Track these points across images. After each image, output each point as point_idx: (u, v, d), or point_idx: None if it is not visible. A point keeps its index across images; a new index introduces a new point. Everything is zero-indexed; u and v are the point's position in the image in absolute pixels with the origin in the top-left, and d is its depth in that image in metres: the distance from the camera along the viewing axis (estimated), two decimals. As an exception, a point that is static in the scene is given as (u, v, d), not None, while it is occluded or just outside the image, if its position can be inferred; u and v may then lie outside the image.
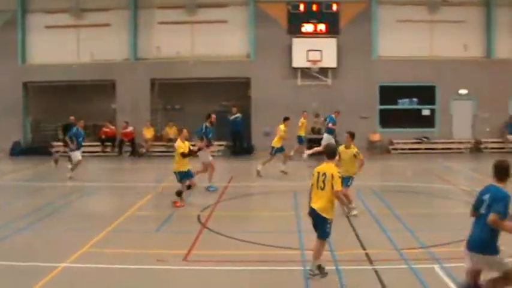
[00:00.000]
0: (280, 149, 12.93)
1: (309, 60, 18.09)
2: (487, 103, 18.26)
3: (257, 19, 18.39)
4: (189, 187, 9.55)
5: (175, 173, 9.52)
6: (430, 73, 18.28)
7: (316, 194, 5.54)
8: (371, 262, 6.21)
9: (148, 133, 18.55)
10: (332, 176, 5.45)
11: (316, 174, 5.60)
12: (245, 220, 9.09)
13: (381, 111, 18.47)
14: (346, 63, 18.17)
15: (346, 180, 7.79)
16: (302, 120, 15.72)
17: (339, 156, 7.97)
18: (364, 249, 6.74)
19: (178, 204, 9.34)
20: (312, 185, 5.67)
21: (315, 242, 5.65)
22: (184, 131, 9.64)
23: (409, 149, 18.18)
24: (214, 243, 7.17)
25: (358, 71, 18.23)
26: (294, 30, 18.33)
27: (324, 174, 5.53)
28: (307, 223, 7.44)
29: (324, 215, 5.47)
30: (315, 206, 5.53)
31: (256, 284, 5.77)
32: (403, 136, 18.37)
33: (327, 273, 5.63)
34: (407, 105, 18.51)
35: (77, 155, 12.76)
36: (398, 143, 18.21)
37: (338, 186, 5.46)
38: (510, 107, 18.61)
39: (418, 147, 18.22)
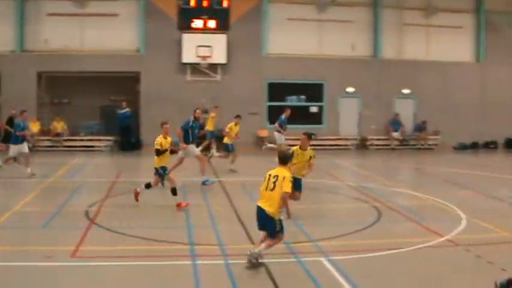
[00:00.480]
0: (229, 146, 15.31)
1: (198, 56, 21.97)
2: (373, 101, 22.73)
3: (147, 13, 22.09)
4: (149, 186, 10.31)
5: (157, 168, 10.21)
6: (318, 71, 22.51)
7: (265, 195, 6.64)
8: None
9: (35, 127, 21.93)
10: (284, 178, 6.55)
11: (267, 176, 6.71)
12: (134, 215, 9.90)
13: (270, 107, 22.64)
14: (236, 60, 22.20)
15: (298, 182, 9.06)
16: (212, 114, 18.73)
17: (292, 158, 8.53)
18: (254, 243, 7.67)
19: (184, 204, 10.03)
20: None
21: (266, 238, 6.77)
22: (165, 126, 10.25)
23: (297, 145, 22.38)
24: (102, 239, 8.00)
25: (247, 68, 22.26)
26: (184, 25, 22.18)
27: (276, 176, 6.63)
28: (197, 218, 9.52)
29: (271, 215, 6.57)
30: (262, 205, 6.62)
31: (144, 279, 6.48)
32: (291, 132, 22.61)
33: (262, 264, 6.65)
34: (295, 102, 22.84)
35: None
36: (286, 139, 22.42)
37: (287, 189, 6.50)
38: (395, 106, 23.32)
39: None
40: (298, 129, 21.96)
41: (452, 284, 6.64)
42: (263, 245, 6.72)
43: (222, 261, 7.13)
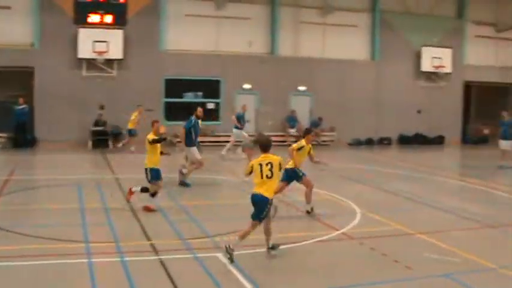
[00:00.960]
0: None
1: (95, 51, 26.86)
2: (270, 98, 28.37)
3: (42, 7, 26.34)
4: (146, 190, 11.91)
5: (147, 169, 11.84)
6: (215, 67, 27.85)
7: (264, 183, 8.37)
8: (156, 252, 8.71)
9: None
10: (279, 165, 8.50)
11: (257, 166, 8.38)
12: (27, 214, 11.25)
13: (167, 104, 28.03)
14: (133, 55, 27.09)
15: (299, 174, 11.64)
16: (135, 114, 23.68)
17: (296, 150, 11.62)
18: (150, 240, 9.26)
19: (152, 207, 11.73)
20: (248, 174, 8.63)
21: (249, 227, 8.53)
22: (156, 124, 12.11)
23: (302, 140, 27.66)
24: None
25: (144, 64, 27.23)
26: (80, 20, 26.83)
27: (270, 163, 8.36)
28: (92, 215, 10.99)
29: (267, 195, 8.34)
30: (259, 191, 8.37)
31: (38, 279, 7.33)
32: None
33: (278, 245, 8.82)
34: (192, 99, 28.33)
35: None
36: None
37: (279, 177, 8.78)
38: (291, 102, 29.20)
39: (203, 140, 27.70)
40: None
41: (347, 275, 8.31)
42: (265, 230, 8.72)
43: (118, 259, 8.27)
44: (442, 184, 17.81)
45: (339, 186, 15.78)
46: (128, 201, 12.16)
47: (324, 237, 10.32)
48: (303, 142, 12.09)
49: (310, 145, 12.10)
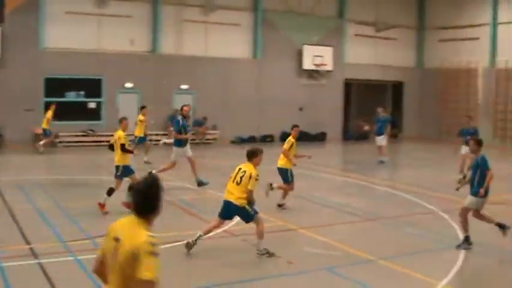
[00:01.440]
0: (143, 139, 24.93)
1: (-30, 49, 32.05)
2: (152, 96, 34.82)
3: None
4: (112, 191, 14.32)
5: (118, 166, 14.45)
6: (97, 66, 33.64)
7: (231, 187, 10.95)
8: (36, 256, 10.04)
9: None
10: (250, 176, 10.73)
11: (237, 169, 11.04)
12: None
13: (47, 103, 33.61)
14: (11, 54, 32.25)
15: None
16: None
17: (291, 146, 15.43)
18: (29, 243, 10.57)
19: (103, 209, 14.18)
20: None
21: (214, 222, 11.37)
22: (125, 121, 15.12)
23: (76, 141, 33.36)
24: None
25: (24, 62, 32.46)
26: (-46, 16, 32.11)
27: (244, 172, 10.85)
28: None
29: (240, 205, 10.83)
30: (230, 198, 10.92)
31: None
32: (69, 129, 33.80)
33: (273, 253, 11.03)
34: (74, 98, 34.12)
35: None
36: (64, 136, 33.58)
37: (252, 187, 10.77)
38: (174, 101, 35.75)
39: (85, 140, 33.69)
40: (76, 126, 33.51)
41: (228, 273, 10.25)
42: (257, 234, 11.16)
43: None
44: (325, 180, 21.49)
45: (222, 184, 15.82)
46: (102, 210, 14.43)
47: (206, 236, 12.03)
48: (291, 139, 15.73)
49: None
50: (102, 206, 14.47)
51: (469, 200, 12.12)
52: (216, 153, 30.05)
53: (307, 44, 37.57)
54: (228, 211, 11.30)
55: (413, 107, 43.17)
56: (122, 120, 15.34)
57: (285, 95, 36.70)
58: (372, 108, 40.78)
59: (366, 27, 41.19)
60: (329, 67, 38.42)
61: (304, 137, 35.23)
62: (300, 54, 37.63)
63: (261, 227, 11.19)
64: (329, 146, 37.00)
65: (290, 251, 11.66)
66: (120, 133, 14.98)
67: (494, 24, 39.07)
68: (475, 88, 40.10)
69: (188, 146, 19.13)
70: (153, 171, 17.42)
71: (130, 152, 15.12)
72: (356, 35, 40.55)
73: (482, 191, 11.86)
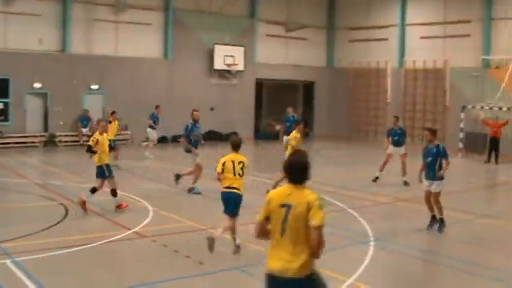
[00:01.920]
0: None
1: None
2: (61, 97, 36.47)
3: None
4: (94, 190, 15.89)
5: (101, 166, 15.88)
6: (3, 66, 34.85)
7: (235, 180, 12.03)
8: None
9: None
10: (247, 166, 12.11)
11: (230, 162, 11.97)
12: None
13: (-49, 103, 35.03)
14: None
15: None
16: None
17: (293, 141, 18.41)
18: None
19: (124, 205, 16.15)
20: (222, 171, 12.05)
21: (230, 222, 12.03)
22: (102, 123, 16.45)
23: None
24: None
25: None
26: None
27: (241, 162, 12.00)
28: None
29: (240, 192, 12.15)
30: (235, 189, 12.04)
31: None
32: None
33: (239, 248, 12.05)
34: (-20, 98, 35.55)
35: None
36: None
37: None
38: (84, 101, 37.67)
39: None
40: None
41: (137, 274, 10.80)
42: (220, 230, 12.10)
43: None
44: None
45: (132, 185, 19.52)
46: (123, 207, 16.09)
47: (116, 237, 12.89)
48: (297, 134, 18.70)
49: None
50: (121, 205, 16.29)
51: (436, 185, 14.86)
52: (127, 154, 31.19)
53: (219, 44, 39.80)
54: (234, 203, 12.27)
55: (324, 106, 46.31)
56: (99, 122, 17.00)
57: (196, 95, 38.76)
58: (283, 108, 43.61)
59: (277, 27, 43.97)
60: (240, 67, 40.81)
61: (215, 137, 37.81)
62: (211, 54, 39.75)
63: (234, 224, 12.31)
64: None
65: (200, 251, 12.07)
66: (95, 136, 16.33)
67: (403, 25, 42.57)
68: (384, 88, 43.43)
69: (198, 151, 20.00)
70: (180, 173, 20.01)
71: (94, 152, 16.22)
72: (267, 34, 43.26)
73: (442, 172, 14.93)
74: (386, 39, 43.11)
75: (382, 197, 20.27)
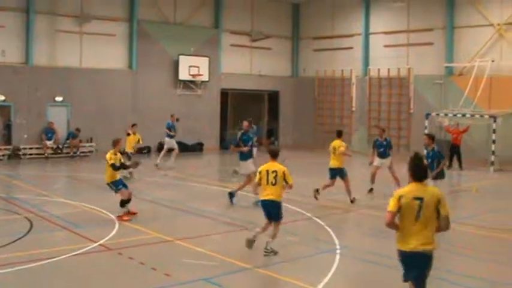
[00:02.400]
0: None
1: None
2: (25, 109, 36.33)
3: None
4: (128, 201, 16.78)
5: (109, 184, 16.82)
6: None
7: (268, 189, 12.82)
8: None
9: None
10: (283, 173, 12.74)
11: (264, 172, 12.78)
12: None
13: None
14: None
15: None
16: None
17: (334, 150, 19.96)
18: None
19: (125, 218, 16.39)
20: (259, 180, 12.97)
21: (272, 227, 12.97)
22: (120, 141, 17.51)
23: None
24: None
25: None
26: None
27: (275, 171, 12.64)
28: None
29: (278, 200, 12.90)
30: (269, 197, 12.83)
31: None
32: None
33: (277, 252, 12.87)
34: None
35: None
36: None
37: (291, 181, 12.87)
38: (48, 113, 37.43)
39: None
40: None
41: (105, 286, 10.90)
42: (272, 234, 13.06)
43: None
44: (201, 190, 22.89)
45: (98, 197, 19.54)
46: (124, 220, 16.66)
47: (82, 250, 12.90)
48: (343, 142, 20.37)
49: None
50: (130, 214, 17.09)
51: (433, 183, 16.69)
52: (91, 166, 31.51)
53: (183, 55, 39.96)
54: (270, 210, 13.25)
55: (289, 115, 46.53)
56: (116, 141, 17.79)
57: (162, 106, 38.77)
58: (248, 117, 43.81)
59: (242, 37, 44.22)
60: (205, 77, 40.87)
61: (181, 148, 37.64)
62: (176, 65, 39.91)
63: (277, 229, 13.27)
64: (206, 156, 39.26)
65: (167, 263, 12.31)
66: (109, 155, 17.36)
67: (367, 34, 43.02)
68: (349, 96, 43.82)
69: (251, 161, 20.60)
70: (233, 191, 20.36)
71: (126, 167, 18.32)
72: (232, 45, 43.48)
73: (437, 171, 17.52)
74: (350, 48, 43.50)
75: (348, 205, 20.34)
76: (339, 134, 20.71)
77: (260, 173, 13.06)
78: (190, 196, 21.44)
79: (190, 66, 39.98)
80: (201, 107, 41.24)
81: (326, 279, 11.55)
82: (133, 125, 27.62)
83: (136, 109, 38.09)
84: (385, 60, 41.43)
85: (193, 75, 40.08)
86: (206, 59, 40.61)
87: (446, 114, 35.18)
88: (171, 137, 30.63)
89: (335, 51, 44.85)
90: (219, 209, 19.14)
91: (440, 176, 17.75)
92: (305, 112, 45.79)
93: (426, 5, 39.59)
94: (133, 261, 12.35)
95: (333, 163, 20.35)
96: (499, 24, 35.95)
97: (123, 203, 16.92)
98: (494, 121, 32.54)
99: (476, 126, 34.09)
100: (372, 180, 23.09)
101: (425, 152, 17.87)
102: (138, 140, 27.59)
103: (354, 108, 43.42)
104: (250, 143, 20.70)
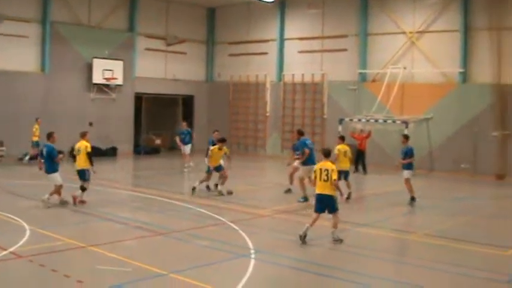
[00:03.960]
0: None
1: None
2: None
3: None
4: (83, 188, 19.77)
5: (80, 170, 20.08)
6: None
7: (321, 185, 15.21)
8: None
9: None
10: (332, 171, 15.07)
11: (318, 170, 15.30)
12: None
13: None
14: None
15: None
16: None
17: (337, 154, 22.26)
18: None
19: (83, 201, 19.89)
20: (315, 178, 15.41)
21: (332, 218, 15.32)
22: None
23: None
24: None
25: None
26: None
27: (326, 170, 15.10)
28: None
29: (332, 194, 15.23)
30: (324, 192, 15.25)
31: None
32: None
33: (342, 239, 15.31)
34: None
35: None
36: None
37: (335, 176, 15.10)
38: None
39: None
40: None
41: None
42: (333, 224, 15.44)
43: None
44: (114, 195, 22.76)
45: (7, 203, 19.41)
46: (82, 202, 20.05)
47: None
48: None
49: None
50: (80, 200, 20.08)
51: (406, 172, 22.52)
52: (1, 172, 30.60)
53: (97, 58, 39.47)
54: (323, 203, 15.47)
55: (204, 120, 46.48)
56: (85, 133, 21.58)
57: (75, 109, 38.31)
58: (163, 122, 43.90)
59: (157, 41, 44.09)
60: (119, 81, 40.50)
61: (95, 152, 37.11)
62: (90, 68, 39.42)
63: (337, 218, 15.55)
64: (120, 161, 38.89)
65: (80, 270, 12.19)
66: (84, 143, 20.79)
67: (281, 39, 43.50)
68: (264, 101, 44.22)
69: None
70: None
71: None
72: (146, 48, 43.29)
73: (402, 162, 22.69)
74: (265, 54, 43.91)
75: (261, 210, 20.63)
76: (342, 139, 24.26)
77: (315, 171, 15.52)
78: (103, 201, 21.20)
79: (104, 70, 39.48)
80: (114, 111, 40.84)
81: (241, 285, 11.59)
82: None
83: (49, 112, 37.19)
84: (300, 66, 41.99)
85: (107, 79, 39.65)
86: (120, 63, 40.25)
87: (359, 120, 35.78)
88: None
89: (250, 57, 45.16)
90: (132, 214, 19.10)
91: (409, 167, 22.51)
92: (220, 117, 45.93)
93: (340, 12, 40.30)
94: (45, 268, 12.10)
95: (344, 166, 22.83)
96: (411, 32, 36.87)
97: (84, 189, 19.88)
98: (406, 127, 33.34)
99: (388, 131, 34.84)
100: (290, 182, 23.87)
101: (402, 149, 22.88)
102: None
103: (268, 114, 43.74)
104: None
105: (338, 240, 15.34)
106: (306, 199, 21.98)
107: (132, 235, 15.95)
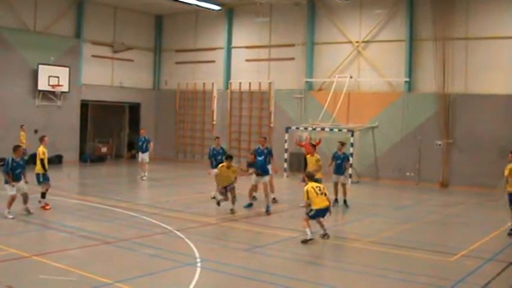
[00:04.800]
0: None
1: None
2: None
3: None
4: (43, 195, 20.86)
5: (36, 175, 21.09)
6: None
7: (322, 198, 17.22)
8: None
9: None
10: (324, 188, 17.84)
11: (317, 189, 17.24)
12: None
13: None
14: None
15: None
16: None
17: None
18: None
19: (48, 207, 20.87)
20: (307, 198, 17.25)
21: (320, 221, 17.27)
22: (46, 138, 21.95)
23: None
24: None
25: None
26: None
27: (318, 187, 17.27)
28: None
29: (328, 204, 17.60)
30: (326, 204, 17.24)
31: None
32: None
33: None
34: None
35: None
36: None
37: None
38: None
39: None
40: None
41: None
42: (324, 225, 17.48)
43: None
44: (60, 204, 22.37)
45: None
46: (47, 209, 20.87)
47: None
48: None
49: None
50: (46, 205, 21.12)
51: (343, 177, 24.39)
52: None
53: (43, 64, 39.04)
54: (326, 212, 17.41)
55: (151, 127, 46.22)
56: (42, 138, 22.09)
57: (20, 116, 37.53)
58: (109, 129, 43.65)
59: (103, 47, 43.90)
60: (65, 88, 40.10)
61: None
62: (35, 74, 38.94)
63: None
64: (65, 169, 38.43)
65: (24, 280, 11.98)
66: (42, 149, 21.57)
67: (229, 48, 43.70)
68: (211, 109, 44.36)
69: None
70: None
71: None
72: (93, 55, 43.03)
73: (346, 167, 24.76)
74: (213, 62, 44.05)
75: (207, 218, 20.85)
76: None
77: (308, 192, 17.23)
78: (48, 210, 20.99)
79: (50, 76, 39.09)
80: (60, 118, 40.46)
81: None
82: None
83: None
84: (247, 74, 42.26)
85: (53, 86, 39.24)
86: (66, 69, 39.91)
87: (305, 128, 36.10)
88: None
89: (197, 65, 45.30)
90: (78, 223, 18.82)
91: (341, 172, 24.26)
92: (166, 124, 45.97)
93: (288, 21, 40.65)
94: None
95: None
96: (357, 42, 37.40)
97: (44, 194, 21.13)
98: (352, 135, 33.75)
99: (334, 140, 35.15)
100: (271, 190, 24.31)
101: (337, 154, 24.64)
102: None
103: (215, 122, 43.85)
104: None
105: (325, 235, 17.69)
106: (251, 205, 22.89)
107: (77, 244, 15.79)
